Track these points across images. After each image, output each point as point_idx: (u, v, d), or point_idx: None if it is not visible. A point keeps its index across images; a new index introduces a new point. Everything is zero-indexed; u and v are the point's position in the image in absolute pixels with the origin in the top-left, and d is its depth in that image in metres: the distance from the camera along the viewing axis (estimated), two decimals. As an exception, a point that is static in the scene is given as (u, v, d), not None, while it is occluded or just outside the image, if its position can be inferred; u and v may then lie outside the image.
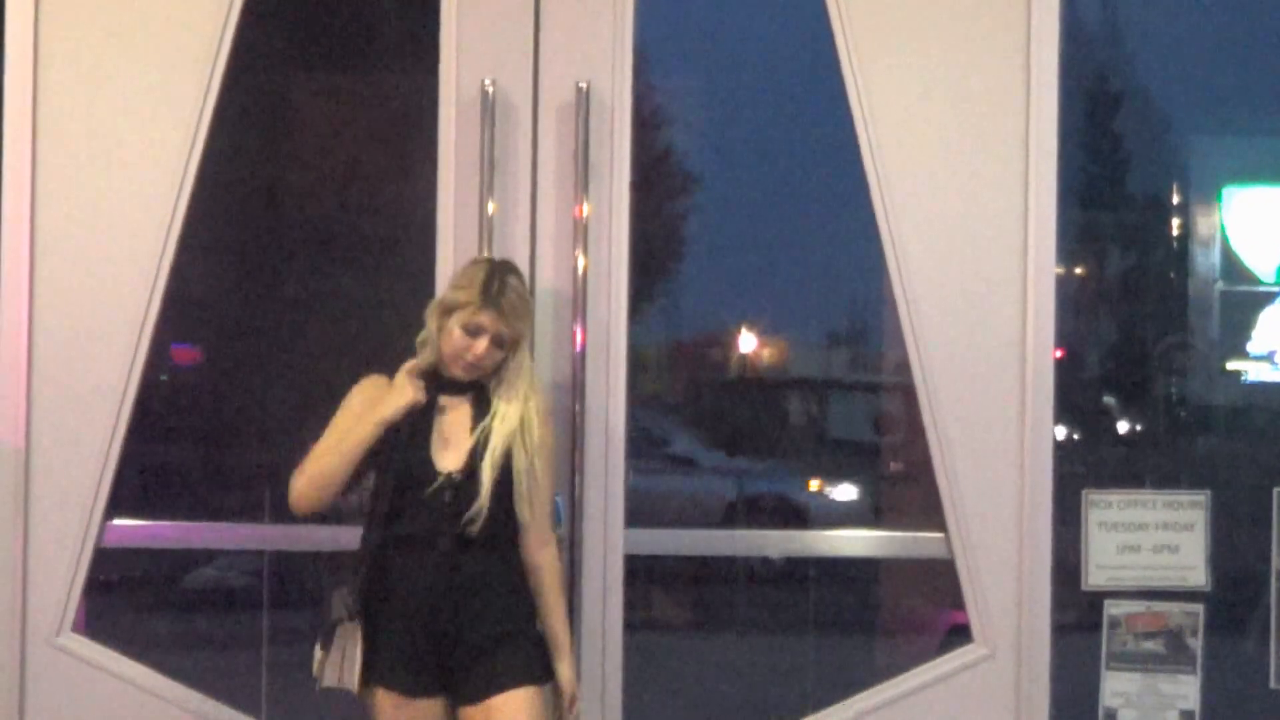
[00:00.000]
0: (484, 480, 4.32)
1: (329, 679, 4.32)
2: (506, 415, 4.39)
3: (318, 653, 4.35)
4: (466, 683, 4.33)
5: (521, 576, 4.46)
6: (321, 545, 5.06)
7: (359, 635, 4.30)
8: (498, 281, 4.37)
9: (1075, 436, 5.71)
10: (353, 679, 4.30)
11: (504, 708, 4.30)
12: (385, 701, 4.34)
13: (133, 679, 4.95)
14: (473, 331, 4.35)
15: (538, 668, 4.41)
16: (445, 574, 4.33)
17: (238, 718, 4.98)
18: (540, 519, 4.44)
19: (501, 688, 4.31)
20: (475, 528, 4.32)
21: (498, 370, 4.42)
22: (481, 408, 4.41)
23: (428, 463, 4.36)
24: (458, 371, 4.40)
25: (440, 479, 4.34)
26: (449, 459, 4.37)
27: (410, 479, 4.35)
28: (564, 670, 4.43)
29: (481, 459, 4.34)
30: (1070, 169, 5.13)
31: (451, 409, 4.43)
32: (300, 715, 5.07)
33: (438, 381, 4.44)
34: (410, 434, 4.37)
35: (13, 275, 4.92)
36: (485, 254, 4.75)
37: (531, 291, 4.83)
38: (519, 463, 4.36)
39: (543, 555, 4.45)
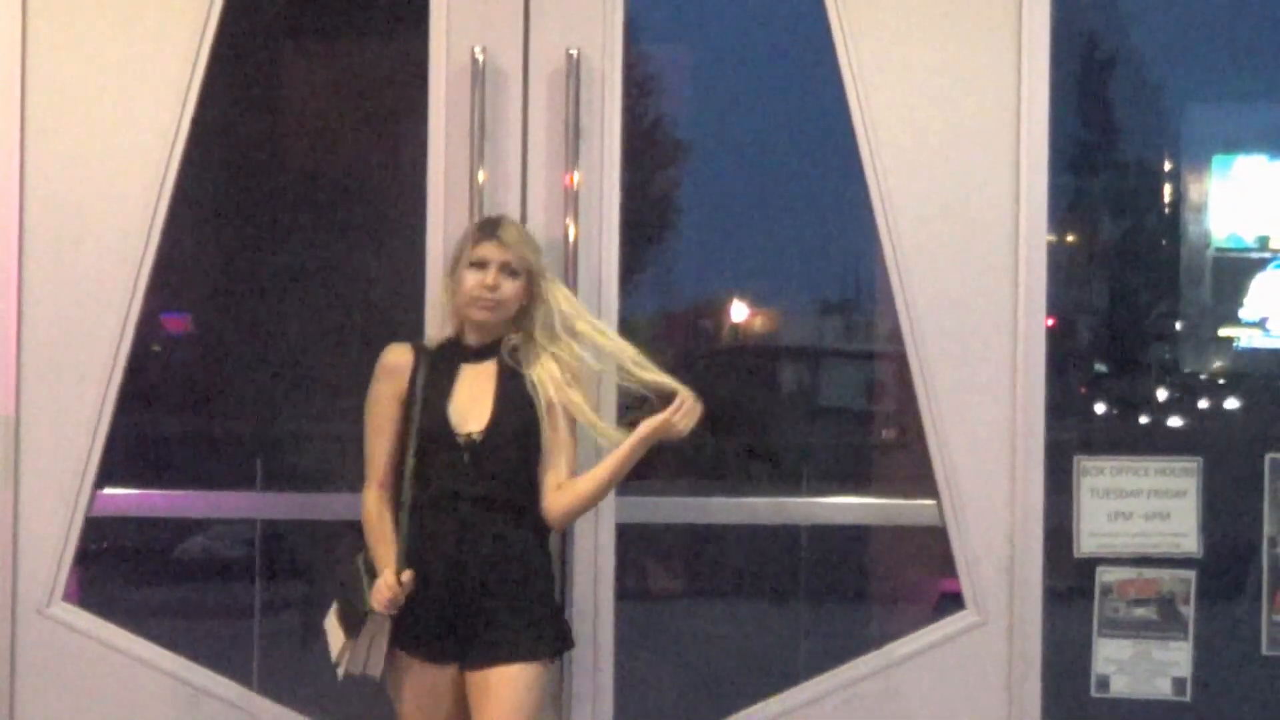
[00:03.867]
0: (507, 440, 4.36)
1: (353, 667, 4.34)
2: (544, 370, 4.43)
3: (340, 639, 4.36)
4: (476, 647, 4.34)
5: (542, 543, 4.48)
6: (314, 514, 5.07)
7: (388, 626, 4.32)
8: (490, 220, 4.49)
9: (1067, 403, 5.71)
10: (377, 668, 4.33)
11: (506, 679, 4.30)
12: (402, 664, 4.36)
13: (124, 648, 4.95)
14: (479, 264, 4.39)
15: (547, 643, 4.41)
16: (466, 537, 4.34)
17: (229, 687, 4.99)
18: (569, 468, 4.45)
19: (507, 659, 4.32)
20: (495, 489, 4.35)
21: (524, 324, 4.45)
22: (505, 371, 4.43)
23: (447, 425, 4.37)
24: (480, 316, 4.42)
25: (461, 439, 4.35)
26: (470, 421, 4.38)
27: (431, 442, 4.36)
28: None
29: (507, 419, 4.37)
30: (1062, 135, 5.13)
31: (473, 375, 4.45)
32: (292, 685, 5.07)
33: (459, 350, 4.47)
34: (430, 399, 4.39)
35: (1, 241, 4.90)
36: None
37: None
38: (553, 421, 4.41)
39: (555, 498, 4.43)
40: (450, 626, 4.34)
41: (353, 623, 4.34)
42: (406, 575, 4.29)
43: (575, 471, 4.47)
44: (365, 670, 4.34)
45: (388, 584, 4.29)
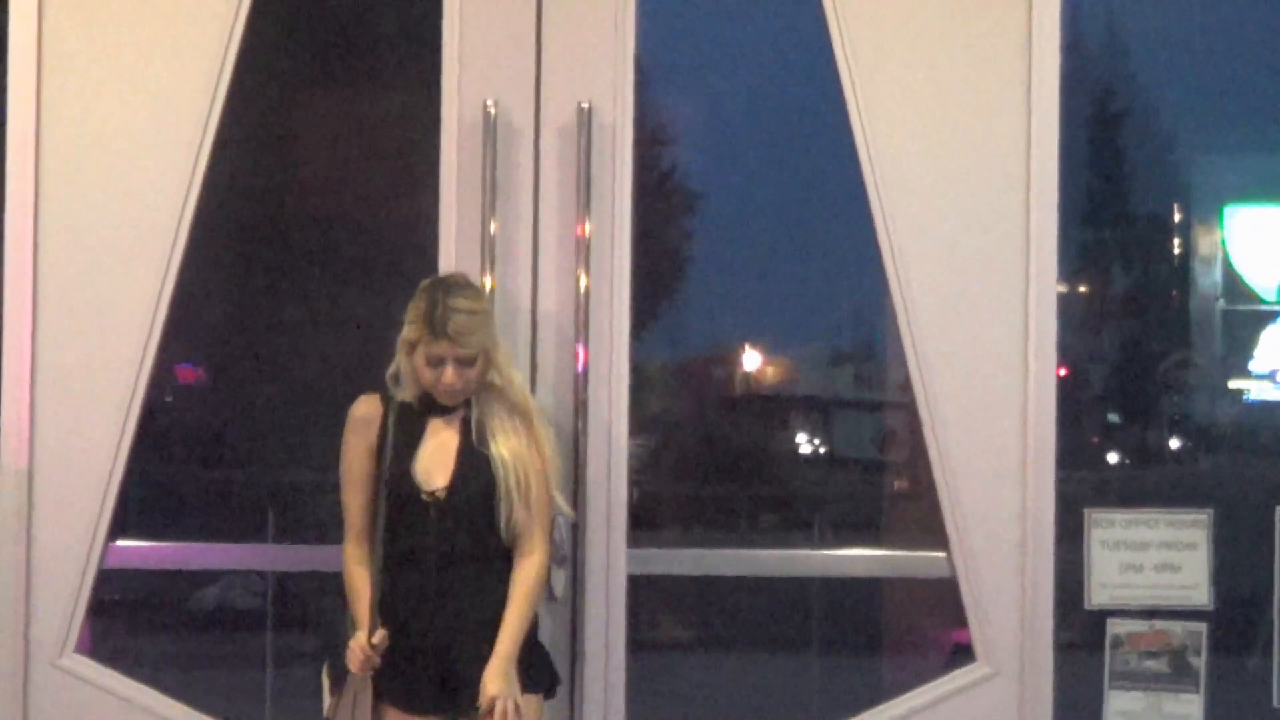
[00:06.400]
0: (470, 497, 4.37)
1: None
2: (496, 431, 4.43)
3: (328, 697, 4.41)
4: (464, 697, 4.34)
5: None
6: (325, 565, 5.07)
7: (369, 683, 4.33)
8: (440, 307, 4.35)
9: (1078, 455, 5.71)
10: None
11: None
12: (391, 718, 4.38)
13: (136, 700, 4.94)
14: (435, 363, 4.37)
15: (526, 677, 4.38)
16: (436, 592, 4.36)
17: (241, 738, 5.00)
18: (526, 531, 4.42)
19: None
20: (462, 544, 4.37)
21: (487, 385, 4.45)
22: (468, 427, 4.44)
23: (413, 483, 4.38)
24: (445, 400, 4.43)
25: (425, 497, 4.37)
26: (436, 477, 4.40)
27: (398, 499, 4.38)
28: (488, 676, 4.31)
29: (470, 478, 4.38)
30: (1072, 187, 5.14)
31: (440, 430, 4.46)
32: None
33: (427, 405, 4.46)
34: (397, 455, 4.41)
35: (16, 294, 4.92)
36: (447, 273, 4.69)
37: (533, 309, 4.87)
38: (509, 478, 4.39)
39: (521, 565, 4.42)
40: (431, 676, 4.37)
41: (336, 679, 4.39)
42: (378, 636, 4.30)
43: (544, 522, 4.47)
44: None
45: (360, 645, 4.30)
